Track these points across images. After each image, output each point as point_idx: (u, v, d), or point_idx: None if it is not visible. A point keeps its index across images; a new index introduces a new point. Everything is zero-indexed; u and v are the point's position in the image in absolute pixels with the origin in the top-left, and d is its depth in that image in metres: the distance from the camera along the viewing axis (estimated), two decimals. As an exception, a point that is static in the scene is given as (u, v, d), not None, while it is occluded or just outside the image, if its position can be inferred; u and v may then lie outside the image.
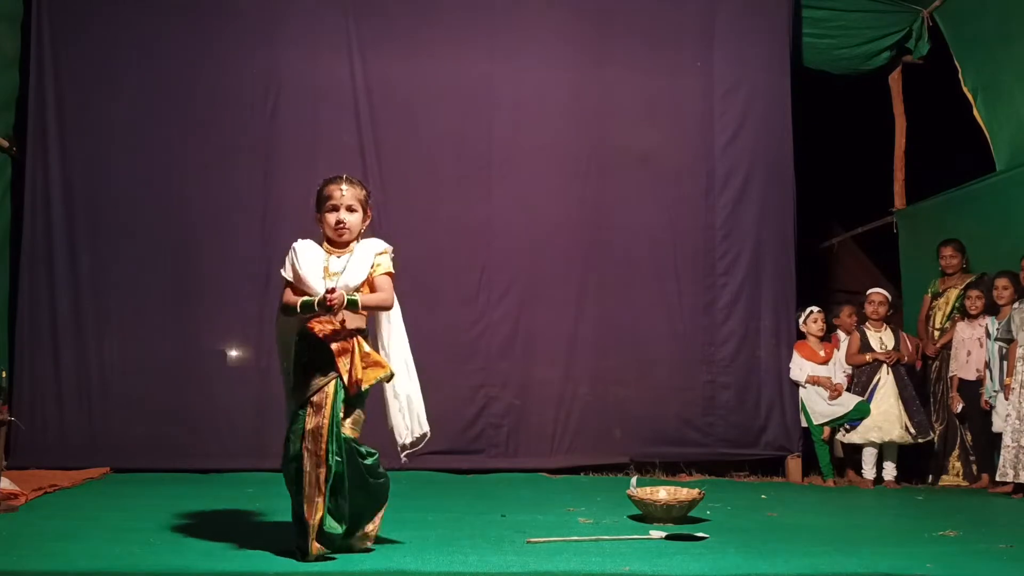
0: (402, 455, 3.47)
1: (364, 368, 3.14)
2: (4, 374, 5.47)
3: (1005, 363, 5.73)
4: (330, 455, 3.05)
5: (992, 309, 5.95)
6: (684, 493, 4.34)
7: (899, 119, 7.58)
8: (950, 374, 6.22)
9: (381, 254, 3.30)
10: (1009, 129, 6.57)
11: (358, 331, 3.19)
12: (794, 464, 6.38)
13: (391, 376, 3.26)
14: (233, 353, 6.16)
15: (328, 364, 3.12)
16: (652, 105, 6.59)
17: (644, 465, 6.21)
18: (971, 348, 6.08)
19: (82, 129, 6.14)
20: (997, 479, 5.51)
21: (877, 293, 6.39)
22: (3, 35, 6.10)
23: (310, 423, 3.09)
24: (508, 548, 3.44)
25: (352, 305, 3.14)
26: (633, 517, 4.28)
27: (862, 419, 6.09)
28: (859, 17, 7.29)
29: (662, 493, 4.35)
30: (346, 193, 3.28)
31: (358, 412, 3.20)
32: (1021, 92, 6.41)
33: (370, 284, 3.26)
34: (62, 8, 6.19)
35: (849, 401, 6.16)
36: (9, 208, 6.12)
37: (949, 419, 6.29)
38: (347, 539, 3.19)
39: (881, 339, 6.29)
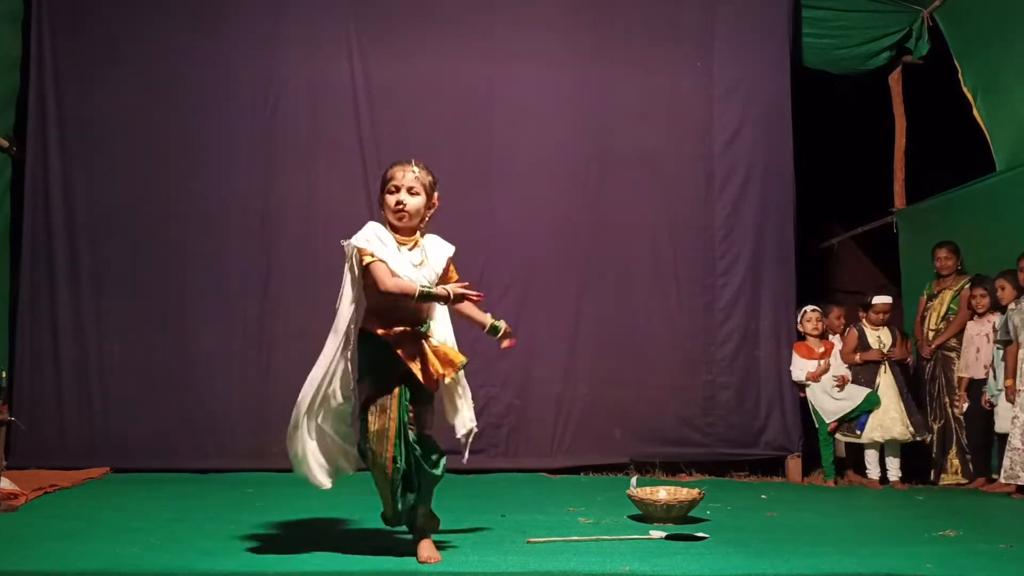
0: (465, 451, 3.41)
1: (442, 364, 3.13)
2: (4, 374, 5.47)
3: (1003, 364, 5.73)
4: (397, 459, 3.04)
5: (999, 306, 5.95)
6: (684, 493, 4.35)
7: (899, 119, 7.57)
8: (958, 375, 6.21)
9: (451, 259, 3.32)
10: (1009, 129, 6.56)
11: (423, 329, 3.17)
12: (794, 464, 6.38)
13: (467, 364, 3.26)
14: (233, 352, 6.15)
15: (394, 364, 3.09)
16: (652, 105, 6.59)
17: (644, 465, 6.21)
18: (979, 345, 6.08)
19: (82, 129, 6.15)
20: (1004, 480, 5.50)
21: (884, 303, 6.35)
22: (3, 35, 6.10)
23: (374, 424, 3.06)
24: (508, 548, 3.44)
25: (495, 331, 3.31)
26: (633, 517, 4.28)
27: (872, 411, 6.08)
28: (859, 17, 7.29)
29: (662, 493, 4.35)
30: (408, 175, 3.18)
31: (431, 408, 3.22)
32: (1021, 92, 6.40)
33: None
34: (62, 8, 6.19)
35: (858, 394, 6.16)
36: (9, 208, 6.13)
37: (946, 418, 6.29)
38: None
39: (879, 338, 6.29)
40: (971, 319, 6.20)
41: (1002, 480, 5.52)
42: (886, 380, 6.15)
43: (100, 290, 6.07)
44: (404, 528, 3.28)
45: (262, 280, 6.13)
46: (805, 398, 6.40)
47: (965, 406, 6.12)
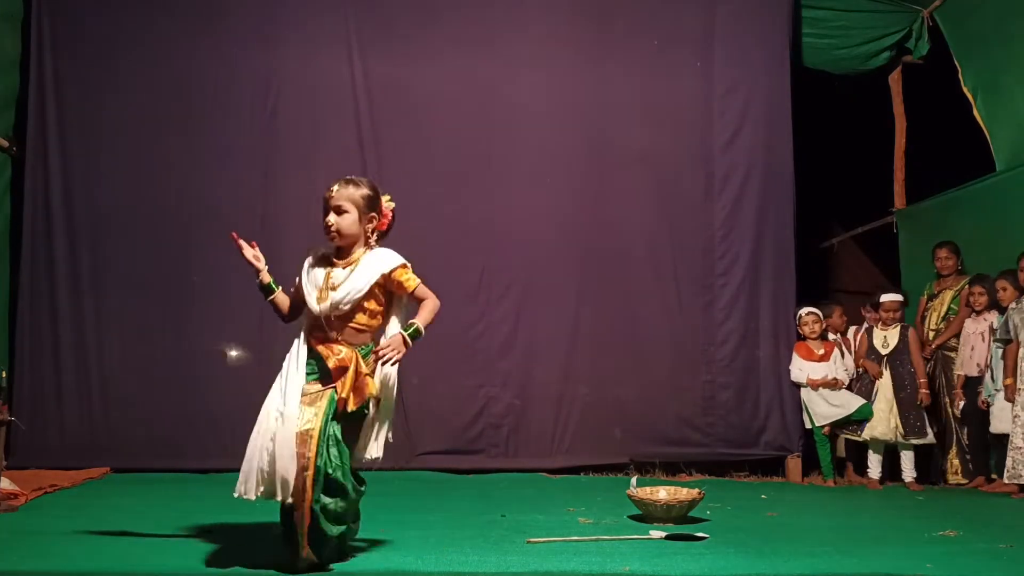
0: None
1: (352, 389, 3.02)
2: (4, 374, 5.48)
3: (1003, 363, 5.73)
4: (319, 457, 2.95)
5: (997, 305, 5.94)
6: (684, 493, 4.35)
7: (899, 119, 7.57)
8: (956, 372, 6.21)
9: (397, 270, 3.16)
10: (1009, 129, 6.56)
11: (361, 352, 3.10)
12: (794, 464, 6.38)
13: (377, 400, 3.14)
14: (233, 353, 6.16)
15: (328, 374, 3.05)
16: (652, 105, 6.59)
17: (644, 465, 6.21)
18: (974, 343, 6.08)
19: (82, 129, 6.15)
20: (1007, 480, 5.50)
21: (891, 301, 6.30)
22: (3, 35, 6.10)
23: (303, 425, 2.98)
24: (508, 548, 3.44)
25: (418, 336, 3.15)
26: (633, 517, 4.28)
27: (865, 420, 6.09)
28: (859, 17, 7.29)
29: (662, 493, 4.35)
30: (336, 194, 3.14)
31: (362, 432, 3.13)
32: (1021, 92, 6.40)
33: (415, 298, 3.23)
34: (62, 8, 6.20)
35: (852, 402, 6.16)
36: (9, 208, 6.13)
37: (946, 418, 6.29)
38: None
39: (885, 338, 6.26)
40: (969, 316, 6.20)
41: (1005, 480, 5.52)
42: (885, 382, 6.15)
43: (100, 290, 6.07)
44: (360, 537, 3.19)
45: (262, 280, 6.13)
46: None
47: (961, 404, 6.11)
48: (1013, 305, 5.73)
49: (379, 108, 6.38)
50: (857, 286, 8.32)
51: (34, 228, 6.08)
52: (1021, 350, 5.57)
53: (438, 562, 3.16)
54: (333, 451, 2.98)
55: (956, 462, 6.24)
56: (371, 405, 3.14)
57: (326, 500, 2.97)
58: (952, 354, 6.31)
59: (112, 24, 6.22)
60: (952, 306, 6.41)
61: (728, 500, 5.00)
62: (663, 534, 3.75)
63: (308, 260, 3.21)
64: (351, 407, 3.01)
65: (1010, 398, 5.58)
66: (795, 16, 6.89)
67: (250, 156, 6.25)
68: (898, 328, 6.27)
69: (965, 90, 6.92)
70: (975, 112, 6.85)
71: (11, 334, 6.03)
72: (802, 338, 6.44)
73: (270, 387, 3.11)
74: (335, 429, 3.00)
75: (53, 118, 6.12)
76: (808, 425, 6.31)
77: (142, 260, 6.11)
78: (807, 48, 7.21)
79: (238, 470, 3.06)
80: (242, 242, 3.28)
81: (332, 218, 3.14)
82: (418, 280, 3.22)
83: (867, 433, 6.07)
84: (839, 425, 6.22)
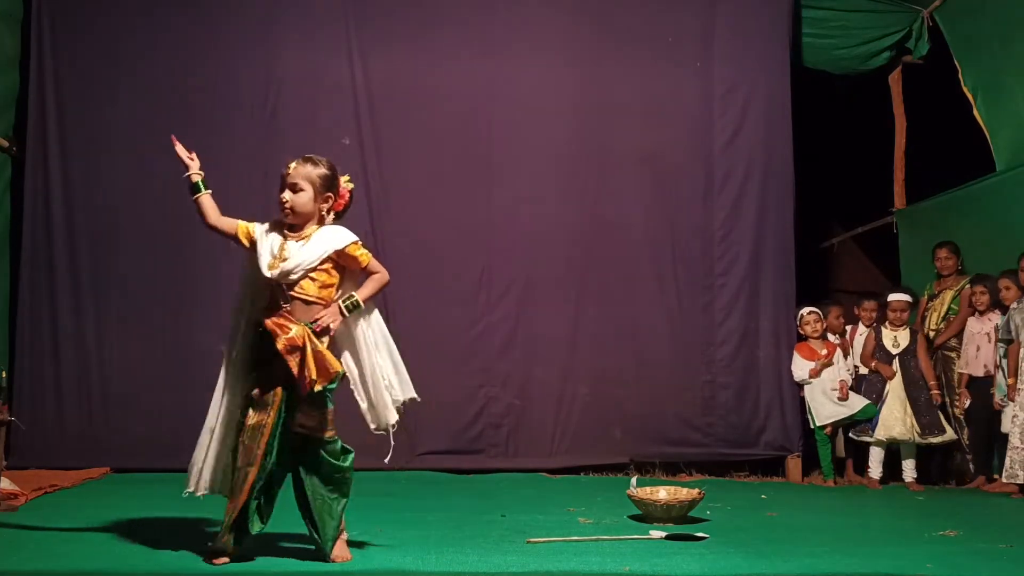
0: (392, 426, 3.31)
1: (317, 370, 2.96)
2: (4, 374, 5.47)
3: (1006, 362, 5.73)
4: (267, 456, 2.94)
5: (1000, 304, 5.94)
6: (684, 493, 4.35)
7: (899, 119, 7.57)
8: (959, 371, 6.21)
9: (350, 246, 3.13)
10: (1009, 129, 6.56)
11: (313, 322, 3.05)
12: (794, 464, 6.38)
13: (343, 376, 3.10)
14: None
15: (275, 358, 2.98)
16: (652, 105, 6.59)
17: (644, 465, 6.20)
18: (980, 343, 6.07)
19: (82, 129, 6.15)
20: (1004, 479, 5.50)
21: (899, 301, 6.26)
22: (3, 35, 6.10)
23: (252, 419, 2.97)
24: (508, 548, 3.44)
25: (355, 307, 3.12)
26: (633, 517, 4.28)
27: (868, 420, 6.09)
28: (859, 17, 7.29)
29: (662, 493, 4.35)
30: (293, 171, 3.15)
31: (330, 409, 3.08)
32: (1021, 92, 6.40)
33: (368, 273, 3.19)
34: (62, 8, 6.19)
35: (856, 402, 6.16)
36: (9, 208, 6.12)
37: (947, 417, 6.28)
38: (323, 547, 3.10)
39: (896, 338, 6.22)
40: (972, 316, 6.20)
41: (1003, 479, 5.52)
42: (896, 379, 6.13)
43: (100, 290, 6.07)
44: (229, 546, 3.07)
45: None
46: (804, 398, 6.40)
47: (967, 402, 6.11)
48: (1014, 305, 5.73)
49: (379, 108, 6.38)
50: (857, 286, 8.32)
51: (34, 228, 6.08)
52: (1022, 351, 5.58)
53: (438, 562, 3.16)
54: (280, 448, 2.97)
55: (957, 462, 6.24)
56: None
57: (270, 495, 3.01)
58: (952, 354, 6.31)
59: (112, 24, 6.22)
60: (952, 306, 6.41)
61: (728, 500, 5.00)
62: (663, 534, 3.75)
63: (265, 225, 3.23)
64: (318, 387, 2.97)
65: (1011, 398, 5.58)
66: (795, 16, 6.89)
67: (250, 156, 6.24)
68: (907, 328, 6.24)
69: (965, 90, 6.92)
70: (975, 112, 6.85)
71: (11, 334, 6.03)
72: (803, 338, 6.44)
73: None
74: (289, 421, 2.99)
75: (53, 118, 6.12)
76: (812, 425, 6.30)
77: (142, 260, 6.10)
78: (807, 48, 7.20)
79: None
80: (177, 142, 3.44)
81: (287, 195, 3.15)
82: (370, 255, 3.21)
83: (883, 434, 6.02)
84: (846, 427, 6.21)
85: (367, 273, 3.20)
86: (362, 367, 3.21)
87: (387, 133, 6.36)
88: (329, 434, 3.08)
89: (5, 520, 3.85)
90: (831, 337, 6.56)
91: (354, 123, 6.35)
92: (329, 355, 3.02)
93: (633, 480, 4.55)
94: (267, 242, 3.15)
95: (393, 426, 3.29)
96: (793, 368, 6.38)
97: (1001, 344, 5.81)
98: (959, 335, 6.27)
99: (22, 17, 6.23)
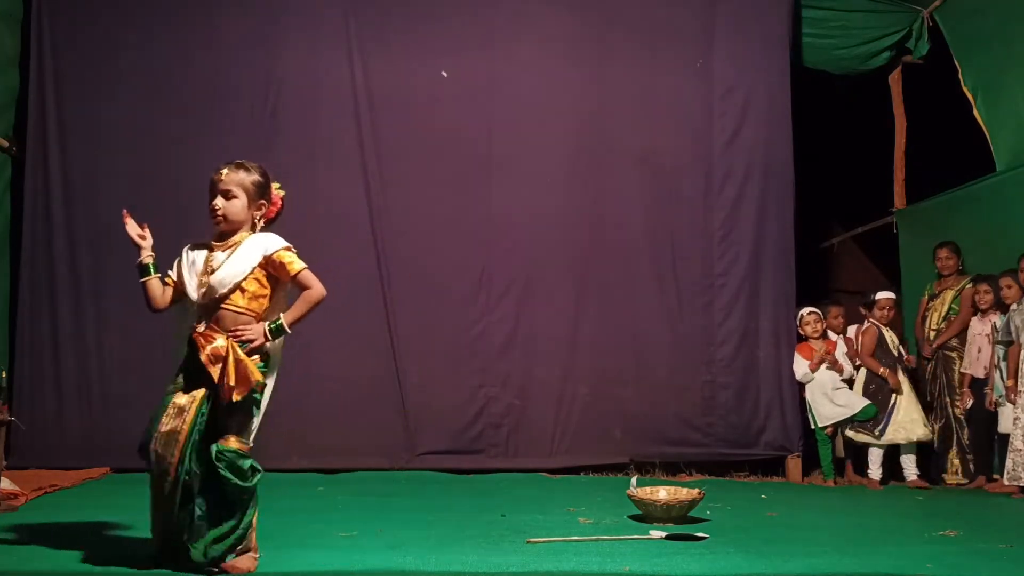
0: None
1: (236, 379, 2.85)
2: (4, 374, 5.47)
3: (1004, 364, 5.73)
4: (183, 463, 2.81)
5: (1002, 305, 5.95)
6: (684, 493, 4.35)
7: (899, 119, 7.57)
8: (961, 371, 6.21)
9: (280, 252, 3.02)
10: (1009, 129, 6.56)
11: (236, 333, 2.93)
12: (794, 464, 6.38)
13: (262, 386, 2.96)
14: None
15: (201, 369, 2.89)
16: (652, 105, 6.59)
17: (644, 465, 6.20)
18: (981, 344, 6.07)
19: (82, 129, 6.15)
20: (1007, 481, 5.50)
21: (887, 299, 6.37)
22: (3, 35, 6.10)
23: (166, 425, 2.84)
24: (508, 548, 3.44)
25: (280, 333, 2.96)
26: (633, 517, 4.28)
27: (867, 420, 6.09)
28: (859, 17, 7.29)
29: (662, 493, 4.35)
30: (225, 178, 3.05)
31: (253, 421, 2.95)
32: (1021, 92, 6.40)
33: (297, 283, 3.02)
34: (62, 8, 6.20)
35: (856, 403, 6.17)
36: (9, 208, 6.13)
37: (947, 417, 6.29)
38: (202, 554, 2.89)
39: (892, 339, 6.28)
40: (974, 316, 6.20)
41: (1005, 481, 5.53)
42: (904, 382, 6.15)
43: (100, 290, 6.07)
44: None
45: (262, 280, 6.12)
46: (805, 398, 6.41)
47: (969, 402, 6.10)
48: (1014, 307, 5.73)
49: (379, 108, 6.38)
50: (857, 286, 8.32)
51: (34, 228, 6.08)
52: (1023, 352, 5.58)
53: (438, 562, 3.16)
54: (197, 456, 2.85)
55: (956, 462, 6.24)
56: (263, 395, 2.98)
57: (192, 506, 2.85)
58: (953, 354, 6.31)
59: (112, 24, 6.22)
60: (953, 306, 6.41)
61: (728, 500, 5.00)
62: (663, 534, 3.75)
63: (185, 250, 3.14)
64: (236, 397, 2.85)
65: (1011, 400, 5.58)
66: (795, 16, 6.89)
67: (250, 156, 6.19)
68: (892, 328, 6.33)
69: (965, 90, 6.92)
70: (975, 112, 6.85)
71: (11, 334, 6.03)
72: (803, 338, 6.44)
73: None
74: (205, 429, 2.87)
75: (53, 118, 6.12)
76: (812, 425, 6.30)
77: (142, 260, 6.10)
78: (807, 48, 7.21)
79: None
80: (129, 219, 3.24)
81: (220, 202, 3.05)
82: (304, 265, 3.04)
83: (906, 437, 6.02)
84: (841, 425, 6.22)
85: (298, 284, 3.02)
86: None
87: (387, 133, 6.36)
88: (240, 446, 2.90)
89: (5, 520, 3.85)
90: (832, 336, 6.56)
91: (354, 123, 6.35)
92: (252, 366, 2.90)
93: (633, 480, 4.55)
94: (191, 263, 3.07)
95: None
96: (794, 367, 6.38)
97: (1000, 346, 5.81)
98: (960, 335, 6.27)
99: (22, 17, 6.24)
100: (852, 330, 6.71)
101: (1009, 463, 5.49)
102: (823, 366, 6.28)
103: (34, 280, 6.05)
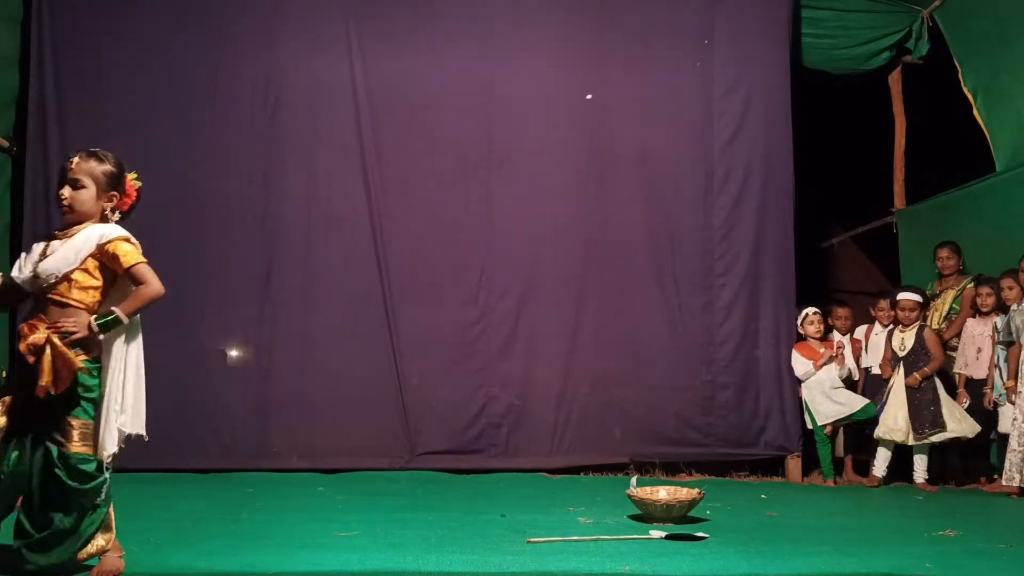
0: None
1: (49, 372, 2.74)
2: (4, 374, 5.46)
3: (1006, 365, 5.73)
4: (5, 463, 2.74)
5: (1002, 306, 5.94)
6: (684, 493, 4.35)
7: (899, 119, 7.58)
8: (955, 371, 6.19)
9: (115, 243, 2.85)
10: (1009, 129, 6.56)
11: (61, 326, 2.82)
12: (794, 464, 6.38)
13: (94, 385, 2.87)
14: (233, 353, 6.16)
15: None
16: (651, 105, 6.59)
17: (644, 465, 6.21)
18: (981, 345, 6.05)
19: (82, 129, 6.14)
20: (1004, 482, 5.50)
21: (908, 300, 6.12)
22: (3, 35, 6.10)
23: None
24: (508, 548, 3.44)
25: (113, 324, 2.82)
26: (633, 517, 4.28)
27: (867, 420, 6.08)
28: (859, 17, 7.29)
29: (662, 493, 4.35)
30: (75, 166, 2.92)
31: (82, 421, 2.87)
32: (1021, 92, 6.41)
33: (130, 277, 2.87)
34: (62, 8, 6.20)
35: (856, 401, 6.16)
36: (9, 208, 6.13)
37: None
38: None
39: (903, 340, 6.14)
40: (973, 317, 6.19)
41: (1003, 482, 5.53)
42: (897, 386, 6.04)
43: (100, 290, 6.06)
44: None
45: (262, 280, 6.12)
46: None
47: (967, 403, 6.09)
48: (1014, 308, 5.73)
49: (379, 108, 6.38)
50: (857, 286, 8.33)
51: (34, 228, 6.07)
52: (1023, 353, 5.58)
53: (438, 562, 3.16)
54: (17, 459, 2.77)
55: (956, 462, 6.23)
56: (101, 393, 2.89)
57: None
58: (954, 354, 6.30)
59: (112, 24, 6.22)
60: (954, 306, 6.41)
61: (728, 500, 5.00)
62: (663, 534, 3.75)
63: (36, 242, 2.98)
64: (56, 391, 2.74)
65: (1011, 400, 5.58)
66: (795, 16, 6.89)
67: (250, 156, 6.25)
68: (915, 328, 6.11)
69: (965, 90, 6.92)
70: (975, 112, 6.85)
71: (11, 334, 6.02)
72: (804, 338, 6.43)
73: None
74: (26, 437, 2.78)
75: (53, 118, 6.12)
76: (809, 425, 6.30)
77: (141, 260, 6.10)
78: (807, 48, 7.21)
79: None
80: None
81: (67, 191, 2.91)
82: (141, 260, 2.88)
83: (883, 434, 5.96)
84: (840, 424, 6.21)
85: (132, 278, 2.87)
86: (104, 386, 2.94)
87: (387, 133, 6.36)
88: (77, 448, 2.83)
89: (5, 520, 3.84)
90: (837, 336, 6.55)
91: (354, 123, 6.35)
92: (72, 359, 2.78)
93: (633, 480, 4.55)
94: (30, 253, 2.94)
95: (109, 457, 3.02)
96: (793, 364, 6.37)
97: (1001, 346, 5.80)
98: (960, 335, 6.26)
99: (22, 17, 6.24)
100: (860, 331, 6.68)
101: (1006, 463, 5.49)
102: (832, 364, 6.26)
103: (34, 280, 6.04)
